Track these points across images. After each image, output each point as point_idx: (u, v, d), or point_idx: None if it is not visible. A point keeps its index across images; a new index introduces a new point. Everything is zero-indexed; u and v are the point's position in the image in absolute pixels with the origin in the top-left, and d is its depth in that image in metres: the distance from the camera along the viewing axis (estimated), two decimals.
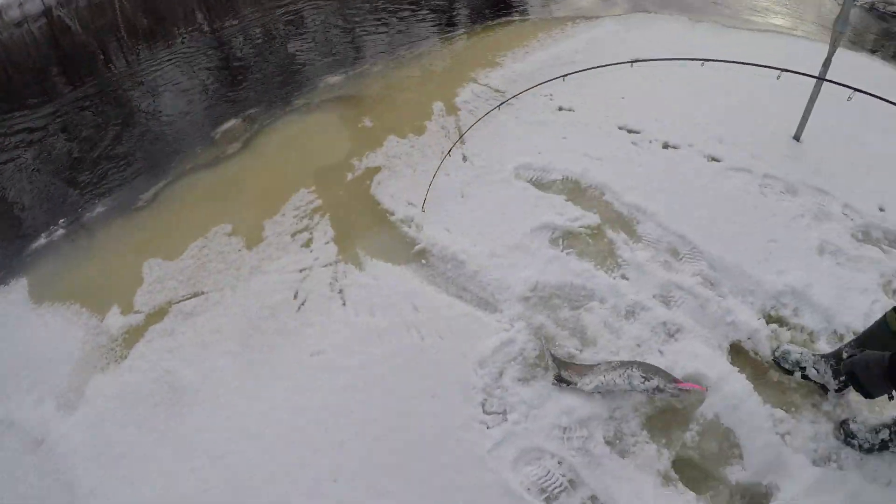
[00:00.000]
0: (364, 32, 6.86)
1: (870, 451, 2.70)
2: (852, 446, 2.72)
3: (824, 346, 3.15)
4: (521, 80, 5.15)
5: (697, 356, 3.01)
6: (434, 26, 6.79)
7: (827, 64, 4.23)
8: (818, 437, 2.75)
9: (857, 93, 3.36)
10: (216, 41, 7.14)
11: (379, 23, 7.00)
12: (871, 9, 10.02)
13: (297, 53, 6.57)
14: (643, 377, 2.83)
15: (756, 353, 3.11)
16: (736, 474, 2.66)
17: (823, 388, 2.93)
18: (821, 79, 4.08)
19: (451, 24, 6.87)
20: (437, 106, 5.07)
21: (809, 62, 4.19)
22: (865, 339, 2.76)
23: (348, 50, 6.51)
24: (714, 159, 4.20)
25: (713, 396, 2.84)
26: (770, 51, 5.91)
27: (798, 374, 2.95)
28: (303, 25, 7.29)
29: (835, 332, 3.22)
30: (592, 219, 3.76)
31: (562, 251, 3.58)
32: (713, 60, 3.91)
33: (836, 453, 2.70)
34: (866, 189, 4.18)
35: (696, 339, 3.11)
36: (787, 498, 2.56)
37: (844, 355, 2.83)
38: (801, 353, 2.99)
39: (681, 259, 3.54)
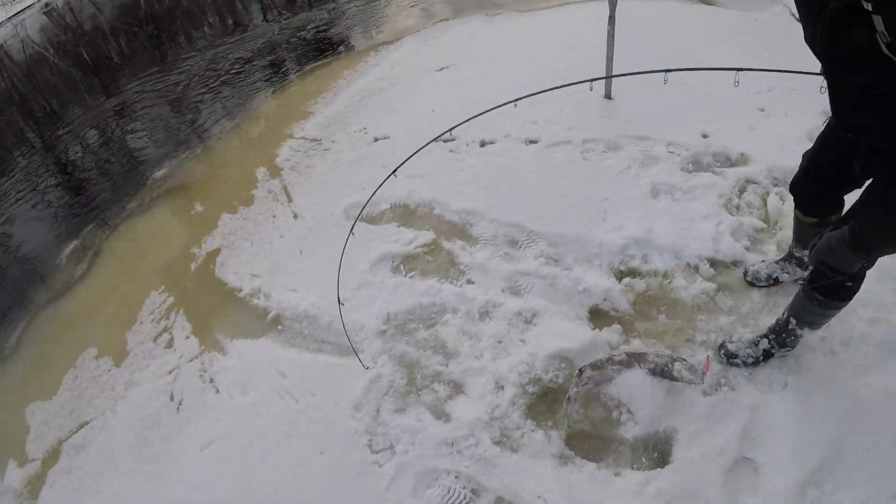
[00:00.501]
0: (185, 111, 6.70)
1: (756, 363, 2.71)
2: (737, 365, 2.73)
3: (680, 282, 3.18)
4: (334, 124, 5.11)
5: (559, 333, 3.00)
6: (248, 90, 6.68)
7: (612, 21, 4.35)
8: (699, 370, 2.74)
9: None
10: (50, 158, 6.84)
11: (198, 99, 6.86)
12: None
13: (125, 152, 6.35)
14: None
15: (617, 311, 3.12)
16: (631, 431, 2.64)
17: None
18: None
19: (266, 80, 6.79)
20: (261, 172, 4.95)
21: (600, 22, 4.34)
22: (799, 236, 2.81)
23: (172, 136, 6.33)
24: (532, 142, 4.23)
25: (585, 363, 2.82)
26: (567, 22, 6.10)
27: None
28: (130, 117, 7.04)
29: (688, 265, 3.28)
30: (427, 236, 3.72)
31: (405, 276, 3.52)
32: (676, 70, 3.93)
33: (724, 377, 2.71)
34: (686, 123, 4.29)
35: (553, 318, 3.10)
36: (690, 434, 2.54)
37: (796, 252, 2.91)
38: (769, 267, 3.05)
39: (520, 247, 3.53)
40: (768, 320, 2.93)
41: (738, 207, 3.70)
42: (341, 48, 7.05)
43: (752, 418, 2.56)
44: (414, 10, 7.96)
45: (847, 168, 2.19)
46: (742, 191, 3.84)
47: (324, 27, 7.85)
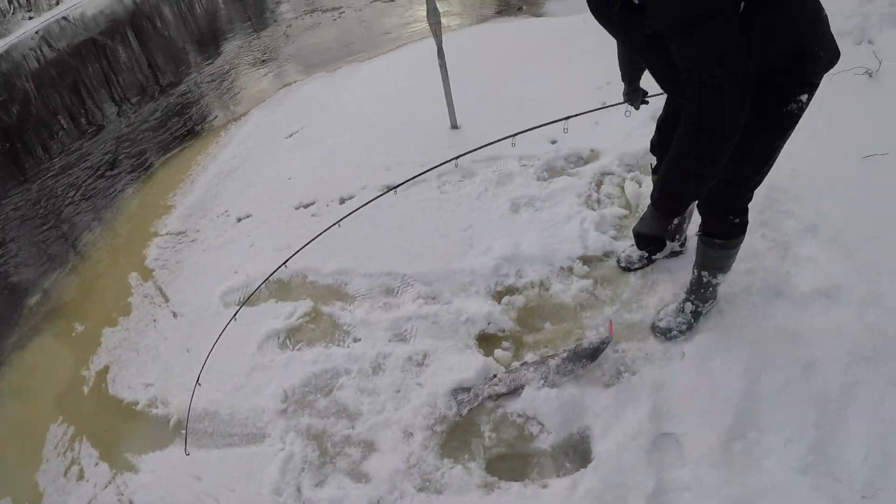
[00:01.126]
0: (49, 227, 6.48)
1: (690, 328, 2.85)
2: (676, 338, 2.86)
3: (558, 287, 3.30)
4: (195, 213, 5.05)
5: (452, 368, 3.04)
6: (109, 192, 6.56)
7: (441, 54, 4.49)
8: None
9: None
10: None
11: (61, 211, 6.66)
12: None
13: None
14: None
15: (503, 331, 3.20)
16: (546, 441, 2.69)
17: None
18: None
19: (125, 179, 6.67)
20: (133, 277, 4.83)
21: (432, 57, 4.47)
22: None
23: (39, 256, 6.08)
24: (389, 187, 4.29)
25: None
26: (403, 64, 6.25)
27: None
28: None
29: (561, 268, 3.41)
30: (305, 305, 3.72)
31: (293, 350, 3.50)
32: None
33: (622, 364, 2.85)
34: (534, 133, 4.44)
35: (444, 354, 3.14)
36: (603, 427, 2.61)
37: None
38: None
39: (397, 294, 3.58)
40: (652, 300, 3.09)
41: (598, 201, 3.88)
42: (194, 132, 7.02)
43: (659, 395, 2.65)
44: (255, 78, 8.00)
45: None
46: (599, 184, 4.02)
47: (175, 113, 7.81)
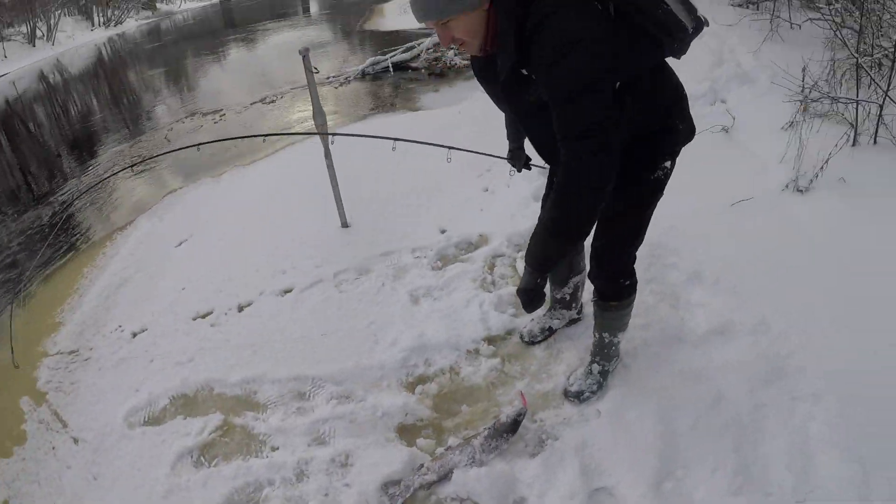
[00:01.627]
0: None
1: (601, 387, 3.09)
2: (589, 399, 3.07)
3: (468, 370, 3.45)
4: (87, 329, 4.88)
5: (377, 463, 3.08)
6: None
7: (328, 155, 4.65)
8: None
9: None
10: None
11: None
12: (364, 74, 11.60)
13: None
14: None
15: (421, 420, 3.30)
16: None
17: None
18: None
19: (6, 295, 6.27)
20: (25, 402, 4.57)
21: (319, 157, 4.68)
22: (552, 279, 3.38)
23: None
24: (287, 291, 4.36)
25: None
26: (290, 166, 6.39)
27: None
28: None
29: (468, 351, 3.58)
30: (216, 419, 3.66)
31: (209, 467, 3.43)
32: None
33: (543, 432, 3.00)
34: (424, 226, 4.64)
35: (367, 451, 3.18)
36: (537, 495, 2.71)
37: (557, 295, 3.37)
38: (539, 321, 3.51)
39: (309, 397, 3.61)
40: (560, 367, 3.32)
41: (493, 283, 4.11)
42: (77, 244, 6.77)
43: (585, 454, 2.82)
44: (138, 185, 7.91)
45: None
46: (492, 267, 4.27)
47: (56, 222, 7.50)
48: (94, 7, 55.80)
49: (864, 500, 2.37)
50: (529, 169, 3.41)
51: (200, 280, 4.87)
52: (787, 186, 4.30)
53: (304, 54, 4.51)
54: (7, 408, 4.66)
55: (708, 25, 2.36)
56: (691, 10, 2.27)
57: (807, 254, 3.71)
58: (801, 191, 4.23)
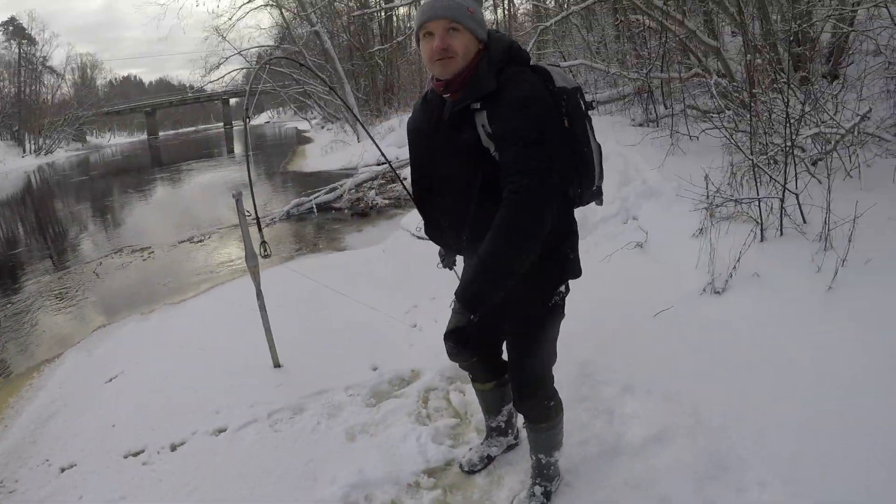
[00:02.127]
0: None
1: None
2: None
3: (409, 502, 3.35)
4: (12, 461, 4.41)
5: None
6: None
7: (260, 297, 4.66)
8: None
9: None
10: None
11: None
12: (289, 216, 11.82)
13: None
14: None
15: None
16: None
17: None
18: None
19: None
20: None
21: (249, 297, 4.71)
22: (488, 407, 3.39)
23: None
24: (221, 430, 4.20)
25: None
26: (220, 306, 6.35)
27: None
28: None
29: (408, 484, 3.47)
30: None
31: None
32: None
33: None
34: (355, 364, 4.63)
35: None
36: None
37: (493, 424, 3.38)
38: (478, 450, 3.50)
39: None
40: (503, 493, 3.26)
41: (428, 416, 4.07)
42: (3, 372, 6.45)
43: None
44: (66, 318, 7.73)
45: (486, 332, 2.79)
46: (426, 400, 4.25)
47: None
48: (27, 134, 56.33)
49: None
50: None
51: (131, 417, 4.63)
52: (704, 290, 4.47)
53: (238, 198, 4.57)
54: None
55: (601, 205, 2.85)
56: (600, 175, 2.63)
57: (731, 351, 3.83)
58: (719, 292, 4.40)
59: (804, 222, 4.72)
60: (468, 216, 2.41)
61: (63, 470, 4.35)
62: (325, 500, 3.44)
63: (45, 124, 58.05)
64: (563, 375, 3.71)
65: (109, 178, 29.64)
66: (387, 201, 12.43)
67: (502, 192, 2.21)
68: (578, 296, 2.92)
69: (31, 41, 66.24)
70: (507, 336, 2.87)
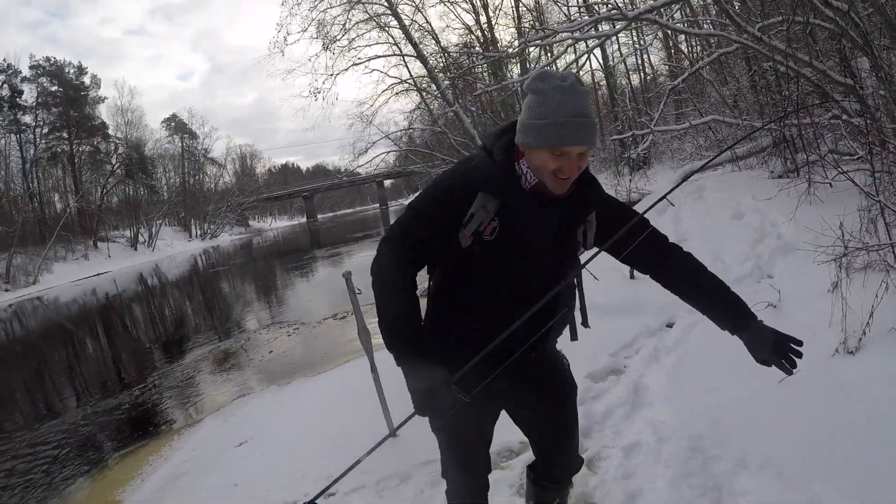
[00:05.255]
0: None
1: None
2: None
3: None
4: None
5: None
6: (58, 484, 6.49)
7: (374, 369, 4.82)
8: None
9: None
10: None
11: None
12: None
13: None
14: None
15: None
16: None
17: None
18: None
19: (76, 472, 6.72)
20: None
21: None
22: None
23: None
24: (331, 494, 4.35)
25: None
26: (349, 379, 6.61)
27: None
28: None
29: None
30: None
31: None
32: None
33: None
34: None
35: None
36: None
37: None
38: None
39: None
40: None
41: None
42: (150, 432, 7.29)
43: None
44: (215, 386, 8.72)
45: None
46: None
47: (133, 411, 8.21)
48: (193, 220, 61.44)
49: None
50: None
51: (253, 479, 4.99)
52: (836, 351, 4.03)
53: (348, 277, 4.86)
54: None
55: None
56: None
57: (861, 421, 3.37)
58: (852, 352, 3.96)
59: None
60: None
61: None
62: None
63: (209, 211, 63.24)
64: (673, 450, 3.51)
65: (270, 260, 31.58)
66: None
67: None
68: (694, 368, 2.73)
69: (192, 135, 72.98)
70: (538, 426, 2.92)
